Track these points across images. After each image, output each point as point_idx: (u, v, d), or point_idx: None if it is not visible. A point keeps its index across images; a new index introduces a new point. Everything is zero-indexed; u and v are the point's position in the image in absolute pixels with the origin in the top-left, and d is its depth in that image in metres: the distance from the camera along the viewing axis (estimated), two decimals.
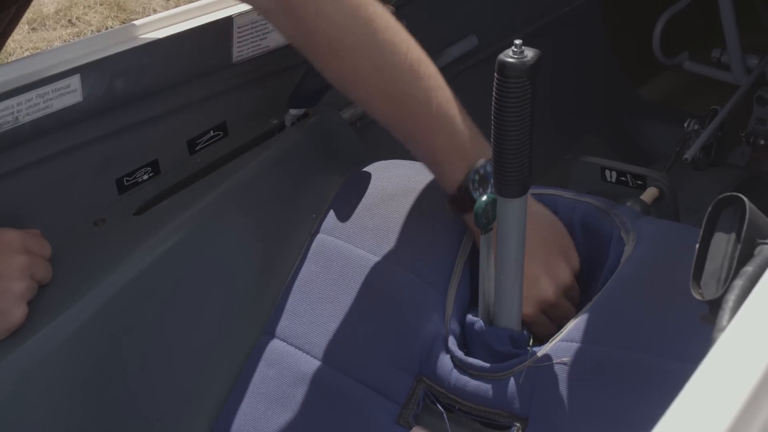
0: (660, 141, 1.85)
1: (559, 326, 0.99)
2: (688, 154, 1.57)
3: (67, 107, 1.03)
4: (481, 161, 1.00)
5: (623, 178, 1.22)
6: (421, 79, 1.02)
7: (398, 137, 1.07)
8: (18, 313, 0.92)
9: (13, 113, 0.98)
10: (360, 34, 1.01)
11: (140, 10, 3.44)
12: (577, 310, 0.99)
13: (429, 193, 1.13)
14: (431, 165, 1.06)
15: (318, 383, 1.03)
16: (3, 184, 1.02)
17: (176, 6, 3.43)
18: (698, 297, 0.64)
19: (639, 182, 1.21)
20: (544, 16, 1.77)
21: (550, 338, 0.97)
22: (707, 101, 1.66)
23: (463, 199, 1.01)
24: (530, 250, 0.97)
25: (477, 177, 0.99)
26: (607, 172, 1.24)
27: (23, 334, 0.93)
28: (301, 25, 1.02)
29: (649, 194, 1.18)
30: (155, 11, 3.41)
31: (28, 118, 1.00)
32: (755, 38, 1.81)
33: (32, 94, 0.99)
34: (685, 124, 1.61)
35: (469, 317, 1.01)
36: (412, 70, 1.02)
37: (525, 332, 0.99)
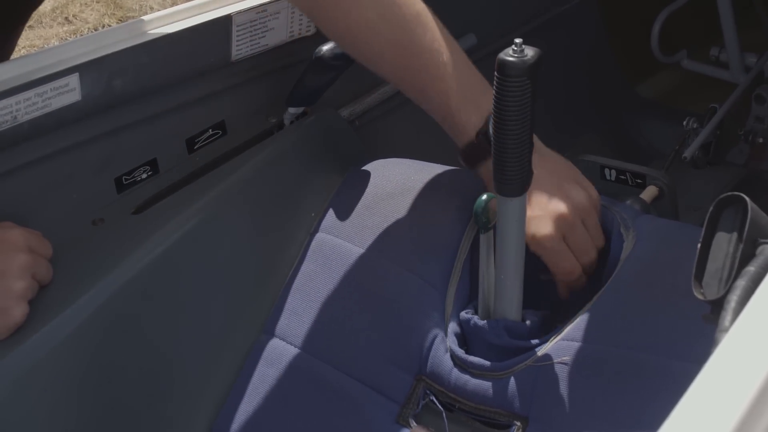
0: (658, 139, 1.85)
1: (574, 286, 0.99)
2: (687, 153, 1.57)
3: (66, 106, 1.03)
4: None
5: (623, 177, 1.22)
6: (427, 28, 1.03)
7: (409, 93, 1.08)
8: (19, 312, 0.92)
9: (11, 112, 0.98)
10: None
11: (137, 8, 3.43)
12: (578, 308, 0.99)
13: (428, 191, 1.13)
14: (445, 116, 1.05)
15: (317, 382, 1.03)
16: (1, 184, 1.01)
17: (172, 3, 3.44)
18: (700, 297, 0.63)
19: (638, 181, 1.21)
20: (542, 15, 1.76)
21: (566, 278, 0.96)
22: (706, 99, 1.66)
23: (480, 148, 1.01)
24: (539, 179, 0.95)
25: None
26: (607, 171, 1.24)
27: (22, 334, 0.92)
28: None
29: (649, 193, 1.18)
30: (152, 8, 3.40)
31: (27, 117, 1.00)
32: (754, 36, 1.81)
33: (31, 93, 0.99)
34: (684, 123, 1.61)
35: (464, 314, 1.00)
36: (418, 19, 1.03)
37: (527, 322, 0.98)
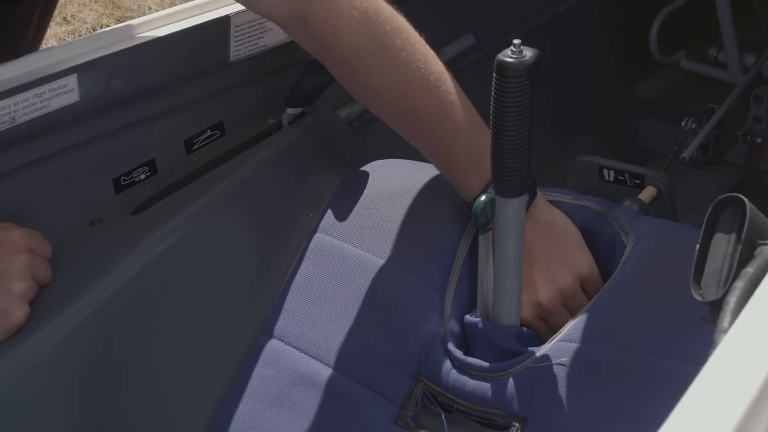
0: (657, 139, 1.85)
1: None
2: (686, 153, 1.57)
3: (64, 107, 1.03)
4: None
5: (621, 178, 1.22)
6: (437, 95, 1.03)
7: (415, 146, 1.09)
8: (19, 313, 0.92)
9: (9, 113, 0.98)
10: (375, 53, 1.02)
11: (135, 8, 3.43)
12: None
13: (427, 192, 1.13)
14: (448, 177, 1.07)
15: (316, 383, 1.03)
16: (0, 184, 1.01)
17: (171, 3, 3.44)
18: (699, 298, 0.63)
19: (637, 181, 1.21)
20: (540, 15, 1.76)
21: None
22: (704, 99, 1.66)
23: None
24: (531, 257, 0.97)
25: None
26: (605, 171, 1.24)
27: (21, 335, 0.92)
28: (317, 41, 1.04)
29: (648, 193, 1.18)
30: (150, 9, 3.40)
31: (25, 118, 1.00)
32: (752, 36, 1.81)
33: (29, 93, 0.99)
34: (683, 123, 1.60)
35: (469, 317, 1.00)
36: (428, 87, 1.03)
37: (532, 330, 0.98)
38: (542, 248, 1.02)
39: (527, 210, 0.96)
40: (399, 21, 1.03)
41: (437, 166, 1.09)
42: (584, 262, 1.04)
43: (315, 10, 1.01)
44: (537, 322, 1.02)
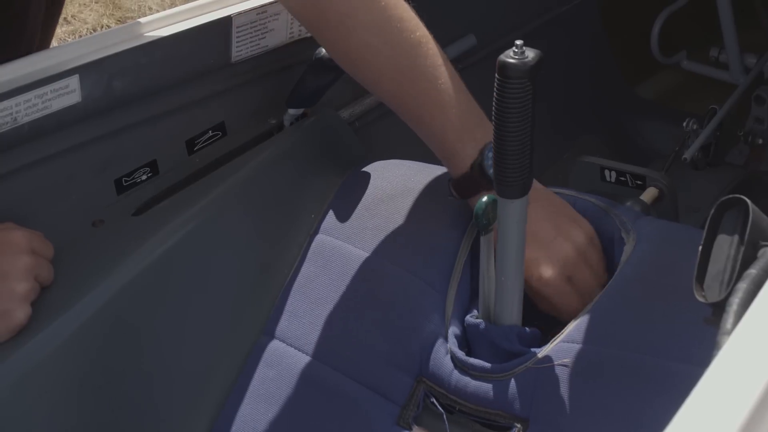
0: (658, 140, 1.86)
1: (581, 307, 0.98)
2: (687, 154, 1.57)
3: (66, 108, 1.03)
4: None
5: (623, 178, 1.22)
6: (429, 56, 1.03)
7: (407, 118, 1.07)
8: (22, 314, 0.92)
9: (11, 114, 0.98)
10: (372, 9, 1.02)
11: (135, 8, 3.43)
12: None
13: (428, 193, 1.13)
14: (442, 145, 1.05)
15: (318, 384, 1.03)
16: (1, 185, 1.01)
17: (171, 3, 3.43)
18: (701, 299, 0.63)
19: (638, 182, 1.21)
20: (542, 15, 1.76)
21: (569, 320, 0.96)
22: (705, 100, 1.66)
23: (473, 180, 1.01)
24: (540, 215, 0.97)
25: (491, 154, 0.99)
26: (607, 172, 1.24)
27: (23, 336, 0.92)
28: (313, 2, 1.03)
29: (649, 194, 1.18)
30: (151, 9, 3.40)
31: (27, 119, 1.00)
32: (753, 37, 1.81)
33: (31, 94, 0.99)
34: (684, 124, 1.61)
35: (470, 319, 1.00)
36: (420, 46, 1.03)
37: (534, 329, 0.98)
38: (549, 207, 1.01)
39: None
40: None
41: (429, 137, 1.06)
42: (586, 222, 1.04)
43: None
44: (564, 283, 1.00)
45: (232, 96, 1.22)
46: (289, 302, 1.10)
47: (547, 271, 0.99)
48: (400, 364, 1.00)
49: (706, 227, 0.65)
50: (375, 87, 1.09)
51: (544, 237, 0.99)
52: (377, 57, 1.04)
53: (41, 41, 1.34)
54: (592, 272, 1.02)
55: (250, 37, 1.19)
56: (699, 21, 1.87)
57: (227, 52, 1.18)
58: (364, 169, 1.20)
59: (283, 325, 1.08)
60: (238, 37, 1.18)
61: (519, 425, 0.93)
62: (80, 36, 3.25)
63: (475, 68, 1.59)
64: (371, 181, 1.17)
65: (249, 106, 1.25)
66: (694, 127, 1.61)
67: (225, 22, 1.16)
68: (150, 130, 1.14)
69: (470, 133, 1.02)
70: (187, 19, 1.14)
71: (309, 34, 1.25)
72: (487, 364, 0.96)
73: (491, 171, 0.97)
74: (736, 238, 0.64)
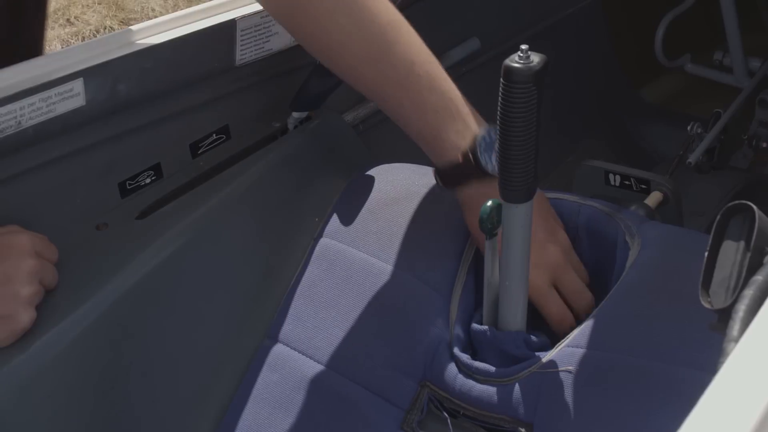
0: (662, 144, 1.85)
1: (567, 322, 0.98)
2: (692, 158, 1.57)
3: (70, 111, 1.03)
4: (485, 126, 0.99)
5: (627, 182, 1.22)
6: (402, 39, 1.01)
7: (387, 109, 1.06)
8: (26, 317, 0.91)
9: (15, 117, 0.98)
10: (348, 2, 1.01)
11: (139, 9, 3.43)
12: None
13: (433, 196, 1.13)
14: (422, 132, 1.03)
15: (321, 388, 1.03)
16: (5, 189, 1.01)
17: (174, 4, 3.43)
18: (707, 305, 0.63)
19: (643, 186, 1.20)
20: (546, 19, 1.76)
21: (559, 326, 0.97)
22: (709, 104, 1.66)
23: (459, 168, 1.00)
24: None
25: (484, 143, 0.98)
26: (611, 176, 1.23)
27: (27, 340, 0.92)
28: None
29: (654, 198, 1.17)
30: (153, 11, 3.40)
31: (31, 123, 0.99)
32: (758, 40, 1.81)
33: (35, 98, 0.99)
34: (689, 128, 1.60)
35: (476, 326, 1.00)
36: (393, 30, 1.01)
37: (543, 337, 0.98)
38: (539, 211, 1.00)
39: None
40: None
41: (414, 129, 1.04)
42: (559, 222, 1.04)
43: None
44: (552, 292, 1.00)
45: (236, 99, 1.22)
46: (293, 306, 1.10)
47: (536, 278, 0.99)
48: (404, 368, 1.00)
49: (712, 233, 0.65)
50: (354, 78, 1.06)
51: (537, 240, 0.98)
52: (350, 45, 1.02)
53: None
54: (577, 274, 1.02)
55: (254, 41, 1.19)
56: (703, 24, 1.87)
57: (231, 55, 1.18)
58: (368, 172, 1.20)
59: (287, 328, 1.08)
60: (242, 40, 1.18)
61: (523, 430, 0.93)
62: (83, 37, 3.25)
63: (479, 71, 1.59)
64: (375, 184, 1.17)
65: (253, 110, 1.25)
66: (699, 130, 1.61)
67: (229, 26, 1.16)
68: (154, 133, 1.14)
69: (452, 119, 1.00)
70: (192, 23, 1.14)
71: None
72: (492, 368, 0.95)
73: (484, 160, 0.96)
74: (742, 244, 0.64)
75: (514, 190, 0.88)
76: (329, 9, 1.01)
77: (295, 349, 1.06)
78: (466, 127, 1.00)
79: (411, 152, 1.11)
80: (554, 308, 1.01)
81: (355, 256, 1.09)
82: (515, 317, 0.96)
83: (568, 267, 1.02)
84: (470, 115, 1.01)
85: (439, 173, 1.05)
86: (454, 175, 1.02)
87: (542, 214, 1.02)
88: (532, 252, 0.96)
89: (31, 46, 1.38)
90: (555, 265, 1.01)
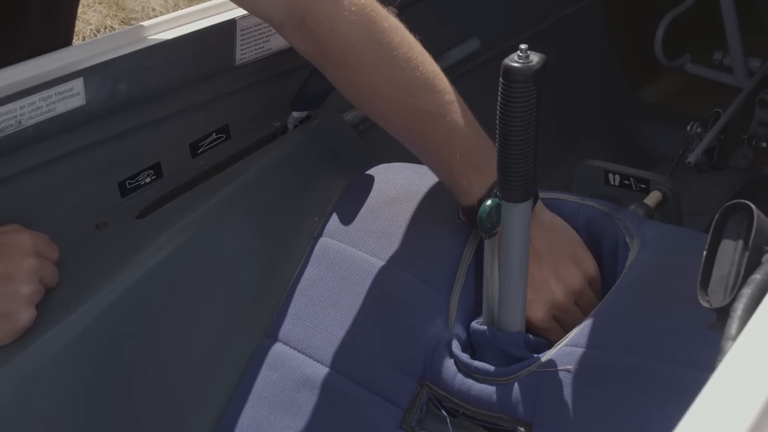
0: (661, 143, 1.86)
1: None
2: (691, 158, 1.57)
3: (70, 110, 1.03)
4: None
5: (626, 182, 1.22)
6: (435, 93, 1.02)
7: (414, 151, 1.08)
8: (27, 316, 0.92)
9: (16, 117, 0.98)
10: (375, 50, 1.01)
11: (139, 9, 3.43)
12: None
13: (432, 196, 1.13)
14: (447, 179, 1.06)
15: (321, 387, 1.03)
16: (5, 188, 1.01)
17: (174, 4, 3.43)
18: (705, 304, 0.63)
19: (642, 186, 1.21)
20: (545, 19, 1.76)
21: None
22: (709, 104, 1.66)
23: None
24: (539, 256, 0.97)
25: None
26: (611, 176, 1.24)
27: (27, 338, 0.92)
28: (315, 40, 1.03)
29: (653, 198, 1.18)
30: (154, 10, 3.40)
31: (31, 122, 1.00)
32: (757, 40, 1.81)
33: (35, 97, 0.99)
34: (688, 127, 1.61)
35: (476, 325, 1.00)
36: (426, 84, 1.02)
37: (541, 339, 0.99)
38: (549, 248, 1.02)
39: None
40: (393, 19, 1.03)
41: (436, 171, 1.08)
42: (589, 262, 1.04)
43: (312, 8, 1.00)
44: (550, 322, 1.02)
45: (236, 99, 1.23)
46: (292, 305, 1.10)
47: (536, 313, 1.01)
48: (403, 367, 1.00)
49: (711, 232, 0.65)
50: (382, 123, 1.09)
51: (536, 279, 1.00)
52: (381, 96, 1.04)
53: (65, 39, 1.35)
54: (581, 309, 1.03)
55: (255, 40, 1.20)
56: (703, 24, 1.87)
57: (231, 55, 1.18)
58: (368, 172, 1.20)
59: (287, 328, 1.08)
60: (242, 40, 1.18)
61: (522, 429, 0.93)
62: (84, 37, 3.26)
63: (478, 71, 1.60)
64: (375, 184, 1.17)
65: (253, 109, 1.25)
66: (698, 130, 1.61)
67: (229, 25, 1.16)
68: (154, 132, 1.14)
69: (477, 168, 1.02)
70: (192, 22, 1.14)
71: None
72: (491, 367, 0.96)
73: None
74: (740, 243, 0.64)
75: (514, 189, 0.88)
76: (361, 66, 1.02)
77: (294, 349, 1.07)
78: (487, 174, 1.01)
79: (411, 152, 1.11)
80: (551, 337, 1.02)
81: (355, 256, 1.09)
82: (515, 317, 0.96)
83: (569, 305, 1.02)
84: (491, 162, 1.00)
85: (461, 210, 1.07)
86: (474, 215, 1.04)
87: (551, 250, 1.03)
88: (530, 290, 0.97)
89: (66, 34, 1.39)
90: (553, 303, 1.02)
